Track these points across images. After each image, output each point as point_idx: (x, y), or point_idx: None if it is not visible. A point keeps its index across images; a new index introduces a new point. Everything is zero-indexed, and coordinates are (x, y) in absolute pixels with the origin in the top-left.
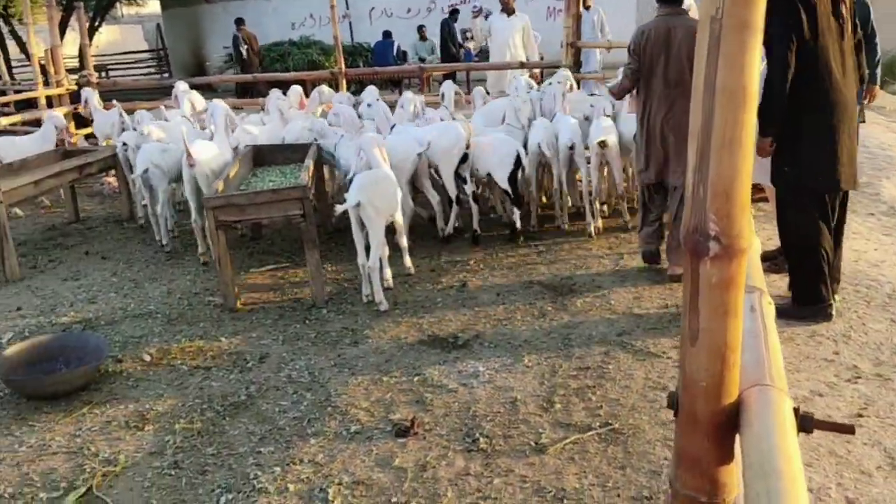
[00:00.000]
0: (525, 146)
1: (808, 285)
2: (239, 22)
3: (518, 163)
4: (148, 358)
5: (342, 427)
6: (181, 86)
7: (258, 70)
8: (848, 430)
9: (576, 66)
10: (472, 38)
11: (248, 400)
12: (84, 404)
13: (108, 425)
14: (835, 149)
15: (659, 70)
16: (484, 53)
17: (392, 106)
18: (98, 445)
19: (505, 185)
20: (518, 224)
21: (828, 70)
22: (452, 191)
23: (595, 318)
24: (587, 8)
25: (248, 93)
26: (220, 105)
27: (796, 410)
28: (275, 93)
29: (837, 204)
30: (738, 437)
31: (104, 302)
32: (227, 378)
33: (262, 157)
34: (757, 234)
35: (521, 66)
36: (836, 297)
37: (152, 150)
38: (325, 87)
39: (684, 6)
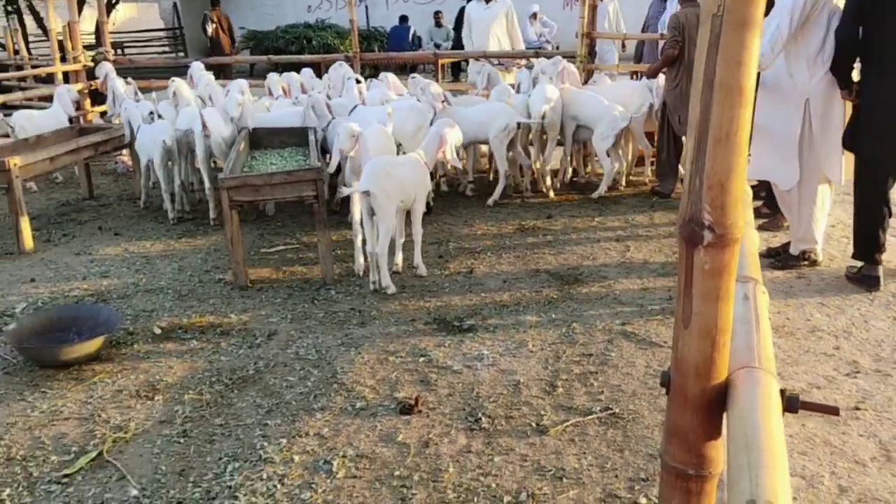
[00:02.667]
0: None
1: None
2: (213, 2)
3: None
4: (158, 331)
5: (347, 403)
6: (196, 66)
7: (232, 52)
8: (832, 411)
9: (590, 56)
10: None
11: (255, 374)
12: (95, 373)
13: (118, 394)
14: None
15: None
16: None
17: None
18: (109, 413)
19: None
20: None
21: None
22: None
23: (600, 308)
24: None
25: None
26: (240, 82)
27: (783, 392)
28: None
29: None
30: (725, 415)
31: (116, 276)
32: (235, 353)
33: (258, 140)
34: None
35: (537, 55)
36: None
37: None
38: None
39: None
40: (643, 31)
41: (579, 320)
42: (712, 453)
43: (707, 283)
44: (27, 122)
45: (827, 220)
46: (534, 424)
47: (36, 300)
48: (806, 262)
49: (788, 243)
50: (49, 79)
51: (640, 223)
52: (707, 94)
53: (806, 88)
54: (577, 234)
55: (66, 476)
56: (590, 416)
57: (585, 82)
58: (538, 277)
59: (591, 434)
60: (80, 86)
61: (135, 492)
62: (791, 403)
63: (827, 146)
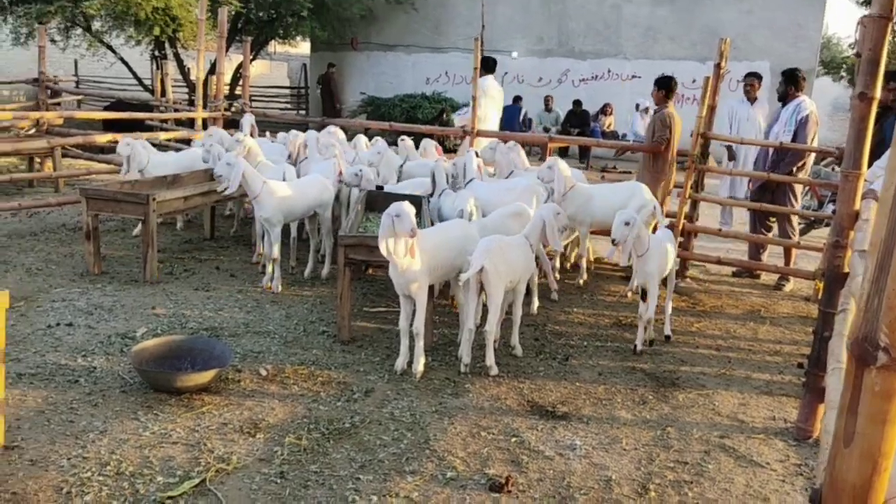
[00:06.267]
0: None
1: None
2: (329, 65)
3: None
4: (264, 373)
5: (438, 471)
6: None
7: (335, 112)
8: None
9: (702, 156)
10: (611, 112)
11: (351, 428)
12: (204, 404)
13: (223, 427)
14: None
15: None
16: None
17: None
18: (213, 443)
19: None
20: None
21: None
22: None
23: (696, 415)
24: (752, 101)
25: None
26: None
27: None
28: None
29: None
30: None
31: (229, 315)
32: (333, 404)
33: (374, 203)
34: None
35: (649, 148)
36: None
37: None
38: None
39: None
40: (765, 137)
41: (674, 425)
42: None
43: (875, 405)
44: (163, 164)
45: None
46: None
47: (156, 327)
48: None
49: None
50: (189, 123)
51: (742, 336)
52: None
53: None
54: (674, 336)
55: (169, 497)
56: None
57: (697, 182)
58: (634, 375)
59: None
60: None
61: None
62: None
63: None
